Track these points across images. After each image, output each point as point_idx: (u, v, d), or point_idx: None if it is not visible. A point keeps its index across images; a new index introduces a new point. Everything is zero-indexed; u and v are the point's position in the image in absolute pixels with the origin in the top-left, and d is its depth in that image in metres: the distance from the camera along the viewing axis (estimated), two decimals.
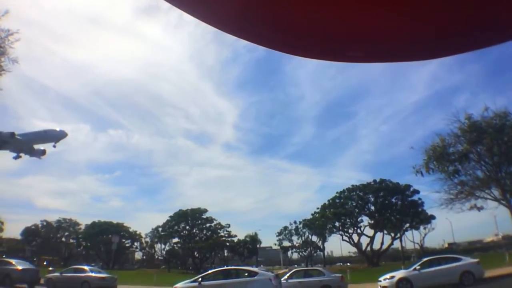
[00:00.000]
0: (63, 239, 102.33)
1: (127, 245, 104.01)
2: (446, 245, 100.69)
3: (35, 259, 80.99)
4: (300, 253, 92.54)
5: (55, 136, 56.58)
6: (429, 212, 69.19)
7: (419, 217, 72.29)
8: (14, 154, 61.19)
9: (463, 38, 1.70)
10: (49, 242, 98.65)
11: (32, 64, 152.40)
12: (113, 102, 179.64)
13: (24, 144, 58.32)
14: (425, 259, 30.01)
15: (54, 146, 57.79)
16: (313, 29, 1.64)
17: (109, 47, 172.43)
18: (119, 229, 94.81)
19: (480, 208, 21.05)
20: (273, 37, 1.73)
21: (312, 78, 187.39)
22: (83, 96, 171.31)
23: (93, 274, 33.39)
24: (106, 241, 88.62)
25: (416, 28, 1.62)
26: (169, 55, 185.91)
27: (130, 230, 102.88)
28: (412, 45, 1.74)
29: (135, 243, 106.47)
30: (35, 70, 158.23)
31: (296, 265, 75.21)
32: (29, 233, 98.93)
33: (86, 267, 35.36)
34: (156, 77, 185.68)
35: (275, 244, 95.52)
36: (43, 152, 62.31)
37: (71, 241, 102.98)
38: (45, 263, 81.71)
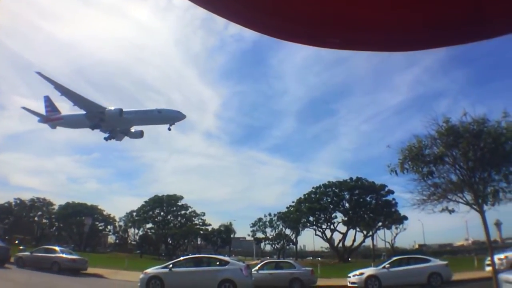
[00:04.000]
0: (36, 218, 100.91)
1: (100, 228, 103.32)
2: (417, 246, 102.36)
3: (6, 237, 79.78)
4: (273, 245, 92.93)
5: (171, 117, 50.30)
6: (401, 211, 70.36)
7: (392, 217, 73.32)
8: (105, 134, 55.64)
9: (444, 31, 1.72)
10: (22, 221, 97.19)
11: (16, 38, 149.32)
12: (96, 82, 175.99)
13: (126, 124, 53.06)
14: (395, 258, 30.48)
15: (169, 129, 51.08)
16: (294, 13, 1.65)
17: (96, 26, 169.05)
18: (93, 212, 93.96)
19: (451, 211, 21.30)
20: (255, 19, 1.73)
21: (297, 72, 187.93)
22: (65, 74, 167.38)
23: (64, 255, 33.19)
24: (79, 223, 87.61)
25: (396, 18, 1.64)
26: (155, 39, 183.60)
27: (104, 213, 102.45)
28: (391, 35, 1.76)
29: (109, 227, 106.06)
30: (19, 45, 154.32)
31: (268, 257, 75.51)
32: (2, 210, 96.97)
33: (57, 248, 35.07)
34: (141, 60, 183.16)
35: (249, 235, 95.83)
36: (141, 134, 56.73)
37: (44, 221, 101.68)
38: (16, 241, 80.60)
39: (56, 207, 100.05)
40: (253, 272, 25.82)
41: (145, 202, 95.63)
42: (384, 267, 27.62)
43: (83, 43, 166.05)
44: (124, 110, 51.17)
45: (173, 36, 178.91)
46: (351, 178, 78.90)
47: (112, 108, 51.46)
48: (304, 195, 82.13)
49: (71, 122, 55.47)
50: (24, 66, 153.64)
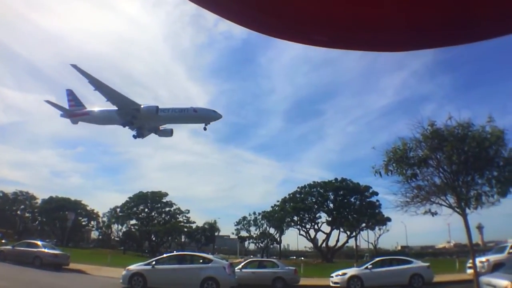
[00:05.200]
0: (19, 212, 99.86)
1: (83, 223, 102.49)
2: (399, 248, 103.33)
3: None
4: (257, 244, 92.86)
5: (206, 117, 47.62)
6: (385, 213, 71.17)
7: (375, 218, 73.86)
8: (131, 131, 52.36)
9: (432, 33, 1.72)
10: (4, 214, 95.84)
11: (3, 29, 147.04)
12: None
13: (159, 122, 50.72)
14: (377, 259, 30.71)
15: (205, 129, 48.45)
16: (282, 8, 1.65)
17: (85, 19, 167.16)
18: (76, 206, 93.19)
19: (434, 213, 21.51)
20: (244, 13, 1.73)
21: (285, 72, 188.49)
22: (52, 67, 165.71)
23: (46, 250, 32.92)
24: (62, 218, 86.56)
25: (384, 18, 1.64)
26: (144, 34, 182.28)
27: (88, 208, 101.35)
28: (378, 34, 1.76)
29: (92, 222, 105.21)
30: (6, 36, 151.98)
31: (252, 256, 75.55)
32: None
33: (39, 242, 34.75)
34: (129, 55, 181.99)
35: (233, 234, 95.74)
36: (171, 132, 53.96)
37: (27, 215, 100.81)
38: None
39: (39, 201, 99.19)
40: (236, 270, 25.84)
41: (129, 198, 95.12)
42: (366, 268, 27.82)
43: (71, 35, 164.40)
44: (160, 107, 48.83)
45: (162, 31, 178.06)
46: (336, 179, 79.41)
47: (147, 105, 49.15)
48: (289, 194, 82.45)
49: (98, 118, 52.59)
50: (10, 57, 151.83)
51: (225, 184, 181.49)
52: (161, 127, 53.05)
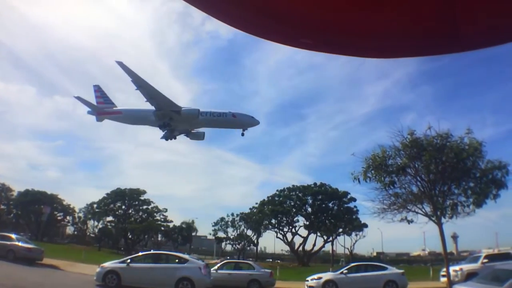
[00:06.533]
0: None
1: (59, 218, 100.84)
2: (375, 254, 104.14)
3: None
4: (234, 246, 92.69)
5: (244, 123, 46.61)
6: (362, 219, 71.76)
7: (352, 223, 74.42)
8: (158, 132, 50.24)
9: (416, 41, 1.75)
10: None
11: None
12: (65, 68, 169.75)
13: (196, 125, 49.13)
14: (353, 264, 30.96)
15: (243, 134, 47.39)
16: (270, 10, 1.66)
17: (72, 10, 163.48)
18: (52, 201, 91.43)
19: (410, 221, 21.80)
20: (232, 12, 1.73)
21: (270, 75, 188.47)
22: (34, 57, 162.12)
23: (20, 244, 32.43)
24: (37, 211, 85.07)
25: (369, 25, 1.66)
26: (130, 29, 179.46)
27: (64, 203, 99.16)
28: (362, 41, 1.78)
29: (68, 217, 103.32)
30: None
31: (228, 257, 75.45)
32: None
33: (13, 236, 34.17)
34: (114, 50, 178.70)
35: (210, 234, 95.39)
36: (203, 136, 52.77)
37: (2, 207, 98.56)
38: None
39: (15, 194, 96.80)
40: (212, 271, 25.82)
41: (107, 194, 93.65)
42: (342, 273, 27.96)
43: (57, 27, 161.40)
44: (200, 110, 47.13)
45: (148, 28, 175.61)
46: (315, 183, 79.76)
47: (188, 107, 47.56)
48: (268, 197, 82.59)
49: (132, 118, 50.41)
50: None
51: (205, 184, 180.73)
52: (194, 130, 51.64)
